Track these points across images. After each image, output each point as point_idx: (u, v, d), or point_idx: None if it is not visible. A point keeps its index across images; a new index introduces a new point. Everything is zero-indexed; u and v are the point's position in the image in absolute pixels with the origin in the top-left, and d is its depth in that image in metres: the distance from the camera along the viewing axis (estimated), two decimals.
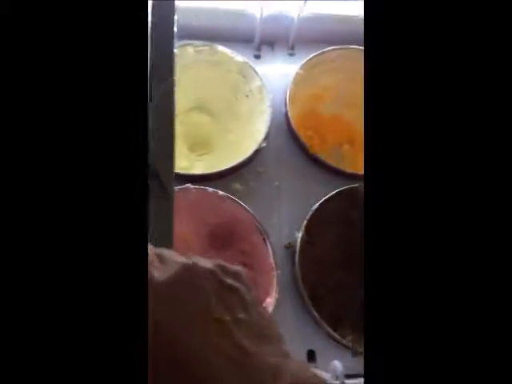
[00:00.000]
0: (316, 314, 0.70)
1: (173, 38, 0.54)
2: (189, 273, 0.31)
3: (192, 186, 0.75)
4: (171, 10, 0.55)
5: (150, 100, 0.52)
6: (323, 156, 0.82)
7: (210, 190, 0.76)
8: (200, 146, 0.92)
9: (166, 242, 0.43)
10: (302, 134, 0.83)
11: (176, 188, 0.49)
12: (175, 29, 0.53)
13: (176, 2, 0.54)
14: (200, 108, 0.93)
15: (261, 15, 0.81)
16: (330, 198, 0.75)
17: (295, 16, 0.83)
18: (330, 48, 0.87)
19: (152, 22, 0.54)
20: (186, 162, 0.87)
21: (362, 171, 0.76)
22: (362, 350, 0.69)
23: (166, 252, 0.33)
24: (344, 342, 0.69)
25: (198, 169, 0.85)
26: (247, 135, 0.88)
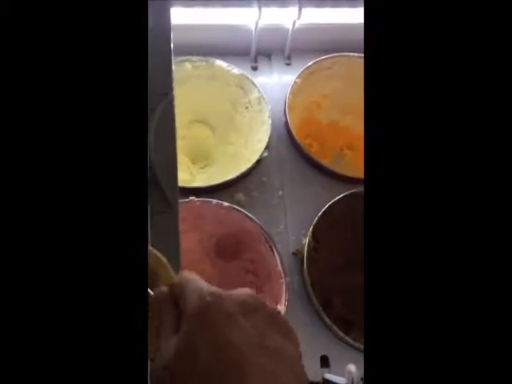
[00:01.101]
0: (327, 318, 0.70)
1: (170, 53, 0.54)
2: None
3: (196, 199, 0.76)
4: (167, 26, 0.56)
5: (151, 114, 0.53)
6: (324, 162, 0.83)
7: (214, 201, 0.76)
8: (202, 158, 0.93)
9: (172, 257, 0.41)
10: (302, 142, 0.84)
11: (179, 201, 0.49)
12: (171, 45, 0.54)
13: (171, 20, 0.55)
14: (200, 122, 0.94)
15: (255, 27, 0.82)
16: (334, 203, 0.76)
17: (290, 26, 0.84)
18: (325, 56, 0.88)
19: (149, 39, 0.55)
20: (188, 175, 0.88)
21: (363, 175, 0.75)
22: None
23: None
24: (357, 345, 0.69)
25: (201, 181, 0.86)
26: (248, 146, 0.89)
